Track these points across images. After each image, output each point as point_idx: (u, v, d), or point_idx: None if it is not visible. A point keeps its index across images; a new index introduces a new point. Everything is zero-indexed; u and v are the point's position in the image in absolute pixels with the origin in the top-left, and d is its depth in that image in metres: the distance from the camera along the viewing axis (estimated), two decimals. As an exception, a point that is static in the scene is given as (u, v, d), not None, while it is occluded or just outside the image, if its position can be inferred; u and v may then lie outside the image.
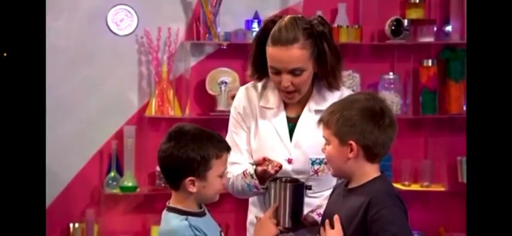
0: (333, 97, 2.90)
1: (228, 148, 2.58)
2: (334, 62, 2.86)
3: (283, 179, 2.79)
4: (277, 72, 2.82)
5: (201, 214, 2.57)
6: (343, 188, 2.60)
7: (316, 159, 2.86)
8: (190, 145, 2.49)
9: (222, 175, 2.56)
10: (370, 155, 2.49)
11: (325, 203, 2.83)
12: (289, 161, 2.87)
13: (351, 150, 2.48)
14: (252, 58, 2.93)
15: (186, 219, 2.50)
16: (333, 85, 2.90)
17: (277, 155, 2.87)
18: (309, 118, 2.91)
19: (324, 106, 2.84)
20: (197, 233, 2.48)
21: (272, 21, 2.86)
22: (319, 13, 4.94)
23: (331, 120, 2.51)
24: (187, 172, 2.50)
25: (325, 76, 2.87)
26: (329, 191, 2.90)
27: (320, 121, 2.57)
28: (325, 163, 2.83)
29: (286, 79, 2.81)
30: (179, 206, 2.55)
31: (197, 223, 2.51)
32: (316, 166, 2.87)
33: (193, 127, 2.56)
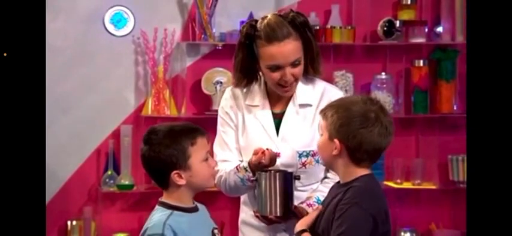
0: (316, 90, 3.00)
1: (201, 132, 2.62)
2: (316, 47, 2.98)
3: (272, 170, 2.85)
4: (278, 68, 2.89)
5: (191, 210, 2.63)
6: (337, 184, 2.67)
7: (303, 151, 2.95)
8: (163, 143, 2.56)
9: (206, 159, 2.61)
10: (354, 158, 2.55)
11: (313, 194, 2.91)
12: (278, 155, 2.94)
13: (336, 148, 2.54)
14: (240, 65, 2.98)
15: (171, 214, 2.56)
16: (318, 70, 3.00)
17: None
18: (293, 112, 3.00)
19: (308, 100, 2.97)
20: (167, 233, 2.52)
21: (250, 26, 2.93)
22: (313, 14, 5.05)
23: (327, 114, 2.58)
24: (170, 168, 2.57)
25: (312, 62, 2.97)
26: (317, 184, 2.99)
27: (321, 111, 2.64)
28: (312, 155, 2.93)
29: (288, 73, 2.90)
30: (169, 201, 2.61)
31: (180, 218, 2.57)
32: (303, 159, 2.95)
33: (164, 126, 2.63)
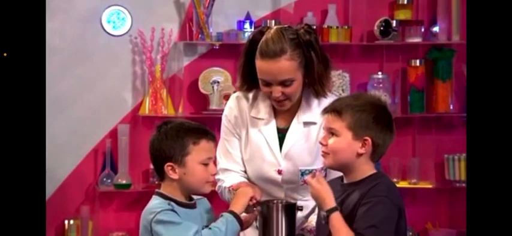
0: (321, 107, 2.91)
1: (209, 137, 2.64)
2: (321, 70, 2.88)
3: (275, 201, 2.80)
4: (268, 84, 2.84)
5: (188, 206, 2.64)
6: (341, 184, 2.65)
7: (306, 170, 2.90)
8: (168, 133, 2.61)
9: (205, 163, 2.62)
10: (375, 154, 2.58)
11: (314, 217, 2.87)
12: (279, 172, 2.93)
13: (363, 146, 2.55)
14: (242, 70, 2.95)
15: (169, 204, 2.59)
16: (320, 93, 2.91)
17: (268, 165, 2.93)
18: (297, 129, 2.94)
19: (312, 117, 2.90)
20: (173, 212, 2.55)
21: (260, 33, 2.88)
22: (309, 14, 5.06)
23: (347, 113, 2.56)
24: (166, 159, 2.60)
25: (312, 84, 2.89)
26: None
27: (333, 111, 2.60)
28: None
29: (277, 90, 2.83)
30: (165, 193, 2.64)
31: (177, 210, 2.59)
32: (305, 177, 2.88)
33: (179, 120, 2.70)
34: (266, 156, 2.94)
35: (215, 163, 2.71)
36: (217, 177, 2.96)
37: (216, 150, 2.71)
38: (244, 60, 2.93)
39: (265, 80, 2.84)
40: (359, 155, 2.56)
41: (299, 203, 2.85)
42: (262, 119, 2.97)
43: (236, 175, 2.98)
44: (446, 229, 5.21)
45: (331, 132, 2.60)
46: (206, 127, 2.68)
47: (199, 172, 2.62)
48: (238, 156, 3.01)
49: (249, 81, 2.96)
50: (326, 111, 2.64)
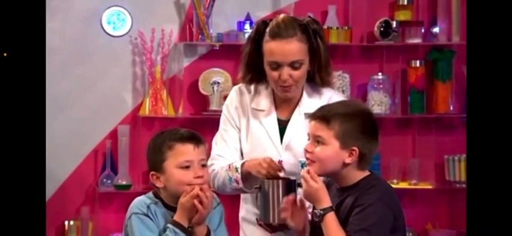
0: (322, 100, 2.96)
1: (182, 139, 2.64)
2: (326, 58, 2.95)
3: (275, 178, 2.81)
4: (277, 67, 2.88)
5: (175, 209, 2.63)
6: (336, 188, 2.65)
7: (305, 161, 2.82)
8: (150, 144, 2.68)
9: (184, 166, 2.62)
10: (362, 163, 2.57)
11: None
12: (280, 163, 2.92)
13: (350, 156, 2.54)
14: (247, 58, 2.98)
15: (155, 203, 2.63)
16: (325, 81, 2.97)
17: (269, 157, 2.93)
18: (298, 121, 2.97)
19: (313, 109, 2.85)
20: (149, 214, 2.59)
21: (263, 23, 2.95)
22: (309, 15, 5.06)
23: (335, 122, 2.55)
24: (150, 168, 2.66)
25: (319, 71, 2.95)
26: None
27: (321, 119, 2.59)
28: None
29: (286, 72, 2.87)
30: (159, 193, 2.67)
31: (159, 209, 2.63)
32: (306, 168, 2.91)
33: (166, 129, 2.73)
34: (267, 147, 2.96)
35: (204, 165, 2.70)
36: (208, 163, 2.94)
37: (200, 153, 2.69)
38: (250, 48, 2.97)
39: (275, 62, 2.88)
40: (345, 165, 2.55)
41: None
42: (263, 110, 3.00)
43: (227, 162, 2.98)
44: (446, 229, 5.22)
45: (317, 140, 2.58)
46: (186, 131, 2.68)
47: (178, 176, 2.62)
48: (233, 146, 3.03)
49: (252, 70, 2.99)
50: (313, 117, 2.63)
